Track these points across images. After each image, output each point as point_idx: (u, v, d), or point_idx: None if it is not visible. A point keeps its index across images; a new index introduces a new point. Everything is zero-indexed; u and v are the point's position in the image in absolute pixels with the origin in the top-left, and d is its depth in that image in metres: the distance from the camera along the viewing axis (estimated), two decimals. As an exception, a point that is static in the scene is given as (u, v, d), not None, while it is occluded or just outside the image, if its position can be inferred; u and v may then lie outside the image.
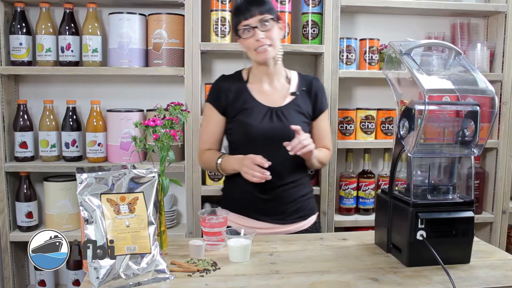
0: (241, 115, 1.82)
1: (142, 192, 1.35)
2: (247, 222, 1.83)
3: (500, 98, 2.54)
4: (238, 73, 1.92)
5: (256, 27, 1.73)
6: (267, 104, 1.83)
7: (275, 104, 1.83)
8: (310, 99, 1.88)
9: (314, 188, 2.13)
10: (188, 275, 1.35)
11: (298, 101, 1.85)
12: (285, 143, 1.66)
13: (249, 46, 1.77)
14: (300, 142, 1.65)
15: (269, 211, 1.83)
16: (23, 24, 2.35)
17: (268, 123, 1.80)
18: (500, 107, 2.54)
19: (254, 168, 1.66)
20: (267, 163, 1.66)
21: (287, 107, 1.83)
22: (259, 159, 1.66)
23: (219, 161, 1.82)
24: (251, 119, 1.80)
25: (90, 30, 2.35)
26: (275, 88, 1.87)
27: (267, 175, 1.65)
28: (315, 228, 1.92)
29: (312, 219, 1.92)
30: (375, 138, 2.56)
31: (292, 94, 1.86)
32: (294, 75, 1.92)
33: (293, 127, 1.67)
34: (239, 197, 1.86)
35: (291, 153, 1.65)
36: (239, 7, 1.78)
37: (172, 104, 1.54)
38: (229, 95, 1.85)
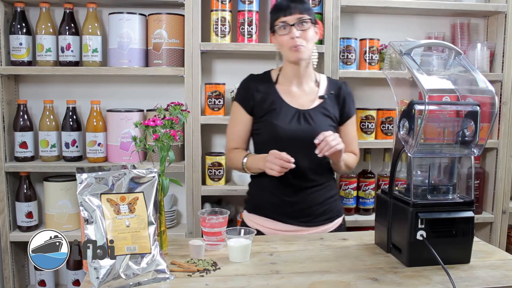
0: (268, 115, 1.81)
1: (142, 192, 1.35)
2: (273, 224, 1.82)
3: (500, 98, 2.54)
4: (267, 74, 1.91)
5: (293, 25, 1.73)
6: (295, 106, 1.82)
7: (303, 107, 1.82)
8: (338, 104, 1.87)
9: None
10: (188, 275, 1.35)
11: (326, 104, 1.84)
12: (316, 141, 1.64)
13: (283, 44, 1.76)
14: (328, 143, 1.62)
15: (295, 213, 1.81)
16: (23, 24, 2.35)
17: (296, 125, 1.79)
18: (500, 107, 2.54)
19: (278, 161, 1.63)
20: (291, 159, 1.63)
21: (315, 110, 1.82)
22: (284, 154, 1.64)
23: (245, 160, 1.81)
24: (279, 120, 1.79)
25: (90, 30, 2.35)
26: (304, 91, 1.86)
27: (291, 163, 1.63)
28: (340, 230, 1.90)
29: (338, 221, 1.90)
30: (375, 138, 2.56)
31: (321, 97, 1.85)
32: (323, 79, 1.91)
33: (317, 140, 1.64)
34: (265, 199, 1.85)
35: (319, 155, 1.64)
36: (280, 4, 1.77)
37: (172, 104, 1.53)
38: (257, 95, 1.83)
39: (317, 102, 1.85)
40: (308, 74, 1.86)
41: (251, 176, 1.92)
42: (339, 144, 1.65)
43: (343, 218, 1.95)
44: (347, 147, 1.87)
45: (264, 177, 1.72)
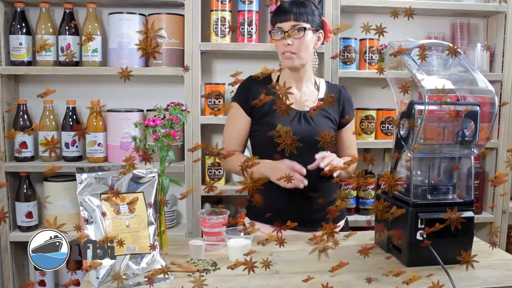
0: (268, 116, 1.79)
1: (142, 192, 1.35)
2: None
3: (500, 98, 2.54)
4: (268, 75, 1.88)
5: (288, 32, 1.72)
6: (296, 108, 1.81)
7: (303, 108, 1.82)
8: (338, 107, 1.87)
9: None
10: (188, 275, 1.35)
11: (326, 107, 1.84)
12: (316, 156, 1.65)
13: (277, 49, 1.78)
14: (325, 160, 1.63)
15: (297, 219, 1.78)
16: (23, 24, 2.35)
17: (296, 126, 1.77)
18: (500, 107, 2.54)
19: (291, 173, 1.61)
20: (304, 170, 1.63)
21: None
22: (297, 165, 1.63)
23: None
24: (279, 121, 1.76)
25: (90, 30, 2.35)
26: (304, 93, 1.85)
27: (305, 181, 1.63)
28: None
29: (340, 224, 1.89)
30: (375, 138, 2.56)
31: (321, 100, 1.84)
32: (322, 83, 1.91)
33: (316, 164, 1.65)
34: (266, 206, 1.82)
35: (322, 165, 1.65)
36: (279, 8, 1.76)
37: (172, 104, 1.54)
38: (257, 95, 1.81)
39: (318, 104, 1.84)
40: (307, 77, 1.86)
41: None
42: (334, 160, 1.65)
43: (346, 220, 1.94)
44: (347, 151, 1.88)
45: (265, 184, 1.70)
